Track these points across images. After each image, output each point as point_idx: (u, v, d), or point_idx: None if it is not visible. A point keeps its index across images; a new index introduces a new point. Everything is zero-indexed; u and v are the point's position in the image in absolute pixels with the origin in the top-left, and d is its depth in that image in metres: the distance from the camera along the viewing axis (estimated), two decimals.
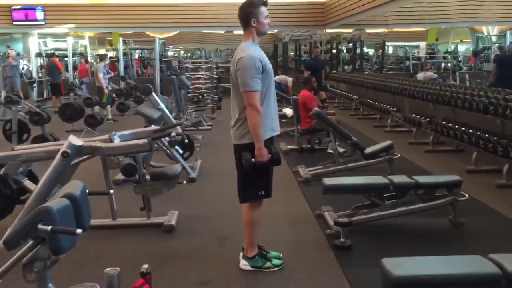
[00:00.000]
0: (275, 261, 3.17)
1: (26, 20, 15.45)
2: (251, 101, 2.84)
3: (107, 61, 12.74)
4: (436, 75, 12.68)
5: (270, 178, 3.11)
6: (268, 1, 2.99)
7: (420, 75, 12.50)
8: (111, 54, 20.98)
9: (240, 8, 3.00)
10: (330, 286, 2.94)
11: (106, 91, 10.47)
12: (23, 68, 16.31)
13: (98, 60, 12.43)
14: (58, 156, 3.05)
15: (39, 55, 15.93)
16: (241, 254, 3.20)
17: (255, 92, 2.84)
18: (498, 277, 2.10)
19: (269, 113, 2.99)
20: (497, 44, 17.29)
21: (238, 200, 3.13)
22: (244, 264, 3.16)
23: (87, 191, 2.39)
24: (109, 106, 10.63)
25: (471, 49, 18.86)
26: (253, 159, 2.91)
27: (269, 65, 2.96)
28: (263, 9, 2.94)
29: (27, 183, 3.73)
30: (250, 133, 2.92)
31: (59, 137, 6.86)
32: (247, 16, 2.94)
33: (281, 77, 12.35)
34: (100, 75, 10.54)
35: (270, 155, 2.94)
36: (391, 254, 2.35)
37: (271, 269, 3.12)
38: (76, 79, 14.56)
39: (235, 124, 3.02)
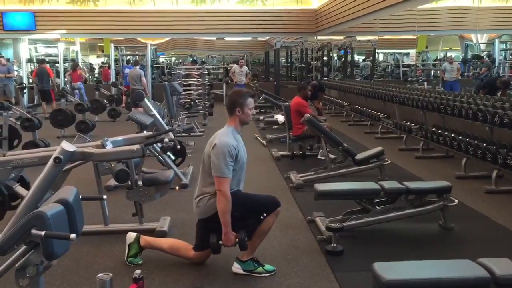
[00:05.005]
0: (268, 267, 3.19)
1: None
2: (221, 186, 2.93)
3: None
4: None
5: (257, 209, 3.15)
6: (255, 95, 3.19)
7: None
8: (102, 60, 21.02)
9: (228, 95, 3.18)
10: None
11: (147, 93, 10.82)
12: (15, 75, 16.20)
13: (133, 65, 13.06)
14: (51, 162, 3.04)
15: (29, 61, 15.85)
16: (236, 258, 3.22)
17: (226, 179, 2.94)
18: (487, 280, 2.14)
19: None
20: (485, 52, 17.50)
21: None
22: (236, 267, 3.18)
23: (80, 196, 2.40)
24: None
25: (460, 56, 19.07)
26: (220, 242, 3.02)
27: (243, 154, 3.08)
28: (249, 100, 3.09)
29: (19, 189, 3.70)
30: (213, 204, 3.00)
31: (50, 143, 6.83)
32: (233, 104, 3.08)
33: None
34: (144, 79, 12.02)
35: (236, 240, 3.01)
36: (382, 259, 2.38)
37: (263, 274, 3.14)
38: (66, 85, 14.53)
39: (197, 198, 3.13)
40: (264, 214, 3.11)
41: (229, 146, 2.96)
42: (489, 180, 5.23)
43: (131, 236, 3.35)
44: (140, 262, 3.30)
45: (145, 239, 3.34)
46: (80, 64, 17.06)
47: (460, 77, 13.75)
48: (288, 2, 15.63)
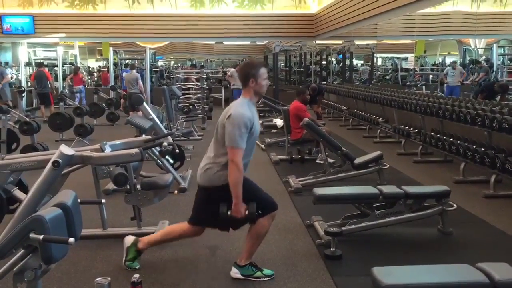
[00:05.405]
0: (266, 271, 3.18)
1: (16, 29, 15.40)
2: (234, 157, 2.88)
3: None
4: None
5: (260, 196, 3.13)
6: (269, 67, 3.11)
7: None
8: (100, 64, 21.05)
9: (240, 68, 3.15)
10: None
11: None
12: (12, 78, 16.19)
13: (130, 69, 13.37)
14: (49, 165, 3.03)
15: (28, 64, 15.84)
16: (234, 263, 3.21)
17: (240, 149, 2.89)
18: (486, 285, 2.14)
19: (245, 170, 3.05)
20: (483, 57, 17.55)
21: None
22: (235, 272, 3.16)
23: (78, 200, 2.39)
24: None
25: (459, 61, 19.11)
26: (229, 212, 2.95)
27: (257, 127, 3.03)
28: (262, 70, 3.03)
29: (17, 192, 3.69)
30: (223, 175, 2.95)
31: (49, 146, 6.81)
32: (246, 76, 3.03)
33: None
34: (140, 82, 12.34)
35: (246, 212, 2.96)
36: (381, 263, 2.38)
37: (261, 279, 3.13)
38: (65, 89, 14.52)
39: (205, 165, 3.05)
40: (260, 211, 3.04)
41: (244, 116, 2.91)
42: (487, 184, 5.23)
43: (129, 239, 3.32)
44: (137, 267, 3.28)
45: (143, 241, 3.31)
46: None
47: (464, 82, 13.77)
48: (287, 7, 15.66)
